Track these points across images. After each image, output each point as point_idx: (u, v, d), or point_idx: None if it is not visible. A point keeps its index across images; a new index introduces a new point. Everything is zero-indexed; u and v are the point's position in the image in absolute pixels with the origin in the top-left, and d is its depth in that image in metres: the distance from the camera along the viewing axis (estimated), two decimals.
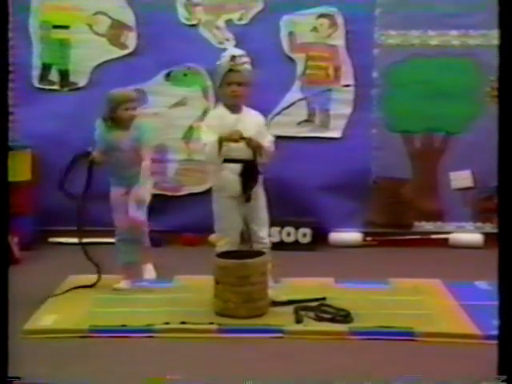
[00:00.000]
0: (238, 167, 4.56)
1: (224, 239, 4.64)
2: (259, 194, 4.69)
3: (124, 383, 3.48)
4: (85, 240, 4.94)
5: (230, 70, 4.52)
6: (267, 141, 4.60)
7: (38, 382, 3.35)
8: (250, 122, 4.62)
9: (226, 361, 3.79)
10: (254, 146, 4.49)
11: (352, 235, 6.46)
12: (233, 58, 4.54)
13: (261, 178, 4.70)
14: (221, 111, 4.62)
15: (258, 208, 4.69)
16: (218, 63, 4.60)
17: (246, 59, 4.58)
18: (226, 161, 4.58)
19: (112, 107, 4.80)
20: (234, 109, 4.60)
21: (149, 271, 5.03)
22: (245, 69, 4.57)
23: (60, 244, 6.30)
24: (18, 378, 3.01)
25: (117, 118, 4.81)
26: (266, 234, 4.74)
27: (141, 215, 4.89)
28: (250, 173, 4.58)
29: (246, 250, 4.61)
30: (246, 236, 4.74)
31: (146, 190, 4.92)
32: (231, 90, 4.53)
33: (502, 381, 2.66)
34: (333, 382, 3.46)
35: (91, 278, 5.01)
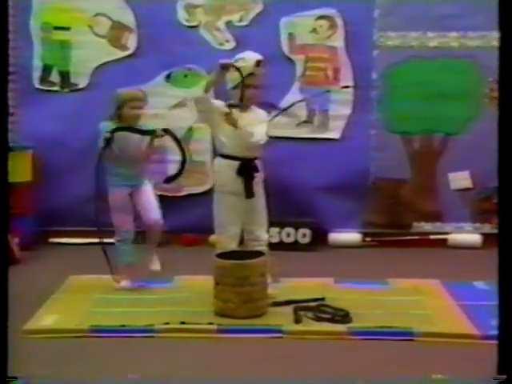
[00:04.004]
0: (235, 164, 4.59)
1: (222, 237, 4.66)
2: (259, 193, 4.72)
3: (124, 383, 3.49)
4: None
5: (251, 74, 4.54)
6: (260, 132, 4.59)
7: (38, 382, 3.36)
8: (254, 117, 4.65)
9: (225, 361, 3.81)
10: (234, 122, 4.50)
11: (351, 236, 6.46)
12: (258, 62, 4.58)
13: (260, 178, 4.72)
14: (228, 108, 4.62)
15: (257, 208, 4.72)
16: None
17: None
18: (225, 157, 4.62)
19: (118, 106, 4.80)
20: (243, 108, 4.62)
21: (155, 262, 5.04)
22: (263, 73, 4.61)
23: (60, 244, 6.33)
24: (18, 378, 3.01)
25: (123, 117, 4.81)
26: (264, 234, 4.77)
27: (159, 215, 4.96)
28: (248, 170, 4.60)
29: (245, 251, 4.64)
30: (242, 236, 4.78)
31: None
32: (251, 93, 4.55)
33: (502, 381, 2.67)
34: (332, 381, 3.48)
35: (91, 278, 5.05)
